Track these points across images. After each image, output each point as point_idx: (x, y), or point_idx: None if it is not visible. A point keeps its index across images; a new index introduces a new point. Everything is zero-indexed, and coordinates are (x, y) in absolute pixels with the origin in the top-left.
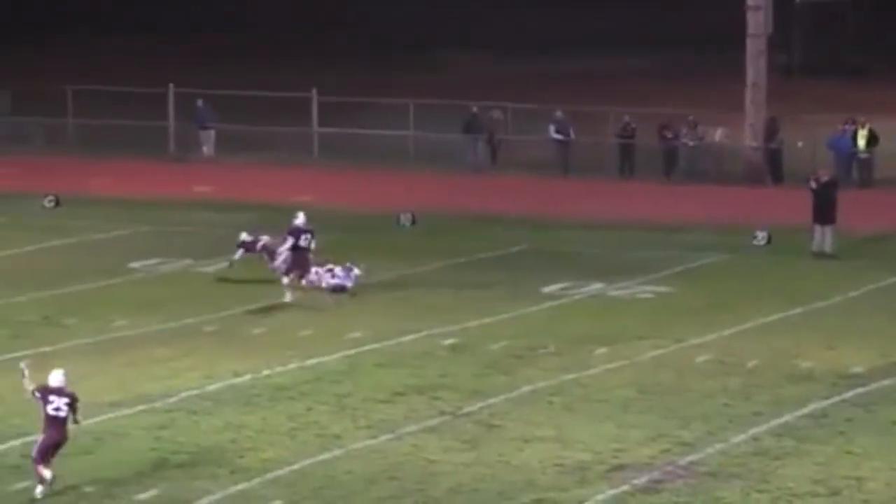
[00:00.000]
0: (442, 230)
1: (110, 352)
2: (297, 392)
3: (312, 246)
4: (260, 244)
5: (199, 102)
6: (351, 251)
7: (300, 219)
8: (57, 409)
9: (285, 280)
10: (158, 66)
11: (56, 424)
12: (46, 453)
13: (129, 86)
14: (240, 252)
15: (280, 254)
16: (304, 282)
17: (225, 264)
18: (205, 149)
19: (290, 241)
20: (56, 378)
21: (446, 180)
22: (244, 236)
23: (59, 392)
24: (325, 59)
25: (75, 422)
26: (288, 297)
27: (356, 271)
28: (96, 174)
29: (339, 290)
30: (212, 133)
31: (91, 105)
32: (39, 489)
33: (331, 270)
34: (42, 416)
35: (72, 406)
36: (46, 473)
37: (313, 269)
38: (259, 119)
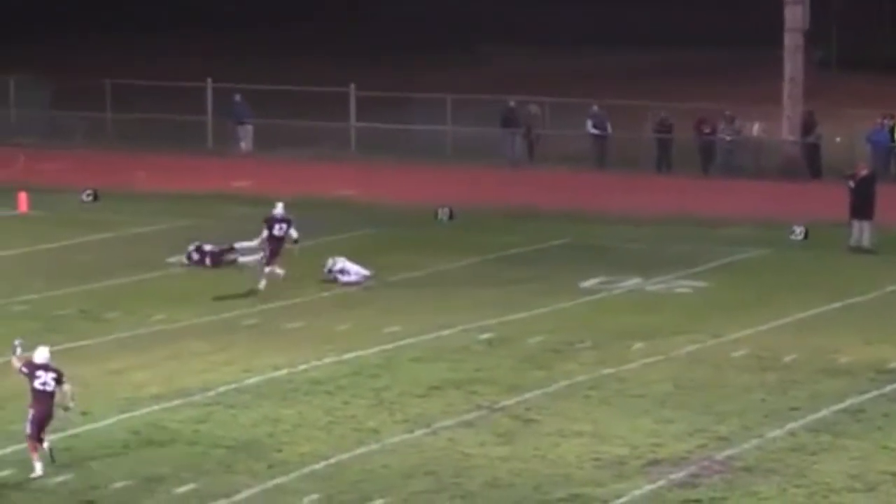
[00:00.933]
0: (479, 225)
1: (149, 346)
2: (335, 386)
3: (294, 235)
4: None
5: (237, 97)
6: (389, 246)
7: (278, 208)
8: (44, 383)
9: (267, 269)
10: (197, 60)
11: (43, 399)
12: (37, 428)
13: (167, 80)
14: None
15: (250, 250)
16: (267, 269)
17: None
18: (242, 144)
19: (264, 231)
20: (41, 355)
21: (484, 175)
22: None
23: (45, 367)
24: (363, 54)
25: (66, 409)
26: (262, 285)
27: (367, 273)
28: (135, 169)
29: (350, 285)
30: (249, 128)
31: (130, 100)
32: (38, 466)
33: (343, 270)
34: (29, 390)
35: (58, 381)
36: (45, 446)
37: (325, 269)
38: (297, 114)
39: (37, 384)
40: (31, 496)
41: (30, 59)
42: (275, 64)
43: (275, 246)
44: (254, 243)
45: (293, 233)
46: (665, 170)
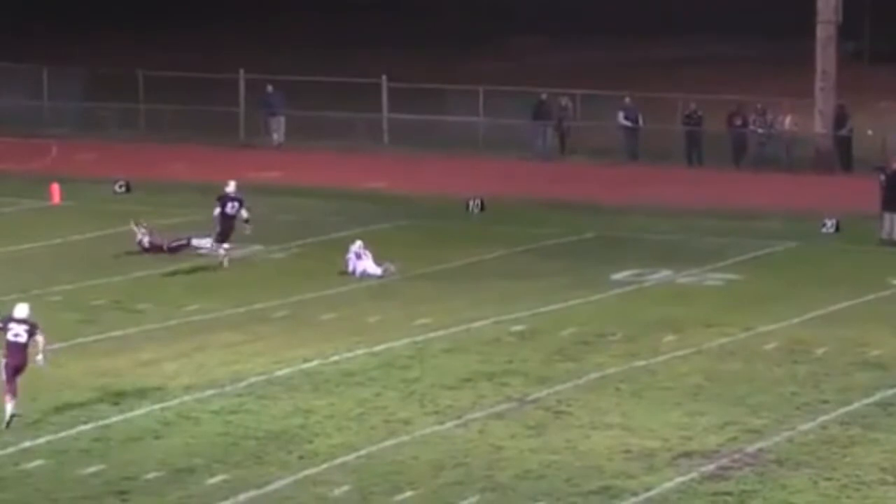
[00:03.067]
0: (510, 217)
1: (181, 336)
2: (366, 378)
3: (244, 215)
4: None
5: (269, 88)
6: (420, 238)
7: (230, 186)
8: (16, 335)
9: (222, 251)
10: (230, 52)
11: (16, 350)
12: (9, 377)
13: (200, 71)
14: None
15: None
16: (219, 248)
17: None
18: (275, 135)
19: (217, 209)
20: (21, 310)
21: (515, 167)
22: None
23: (19, 321)
24: (395, 45)
25: (40, 363)
26: (226, 263)
27: (391, 268)
28: (167, 160)
29: (366, 275)
30: (281, 119)
31: (162, 91)
32: (8, 408)
33: (360, 255)
34: (5, 343)
35: (31, 333)
36: (8, 405)
37: (347, 257)
38: (329, 105)
39: (10, 336)
40: (62, 486)
41: (63, 50)
42: (308, 55)
43: (226, 225)
44: (208, 239)
45: (244, 213)
46: (696, 162)
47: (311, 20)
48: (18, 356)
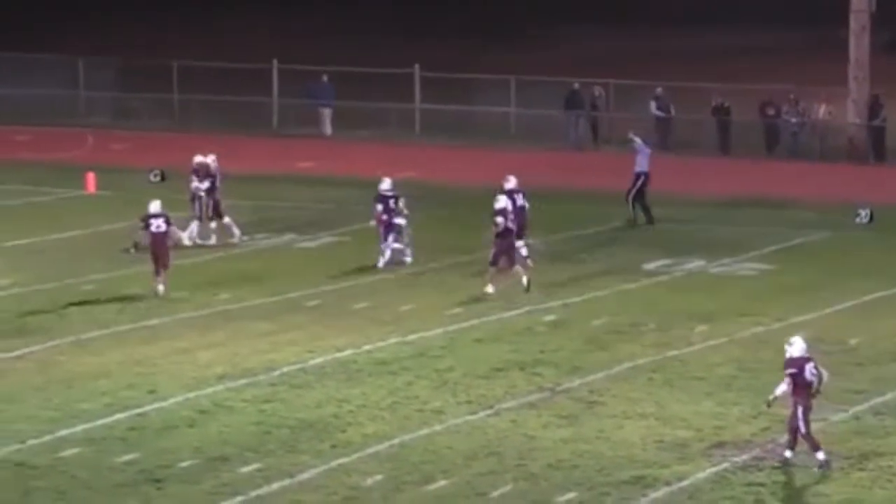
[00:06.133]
0: (543, 206)
1: (214, 326)
2: (399, 367)
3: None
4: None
5: (324, 78)
6: (452, 228)
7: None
8: (157, 226)
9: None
10: (263, 41)
11: (159, 239)
12: (158, 263)
13: (234, 62)
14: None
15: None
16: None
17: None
18: (326, 126)
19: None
20: (155, 206)
21: (547, 156)
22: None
23: (157, 215)
24: (427, 35)
25: (185, 240)
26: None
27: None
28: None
29: (392, 258)
30: (328, 110)
31: (196, 81)
32: (160, 289)
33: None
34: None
35: (168, 223)
36: (160, 286)
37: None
38: (361, 95)
39: (152, 228)
40: (99, 474)
41: (98, 40)
42: (340, 45)
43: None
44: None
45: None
46: (727, 152)
47: (343, 10)
48: (162, 244)
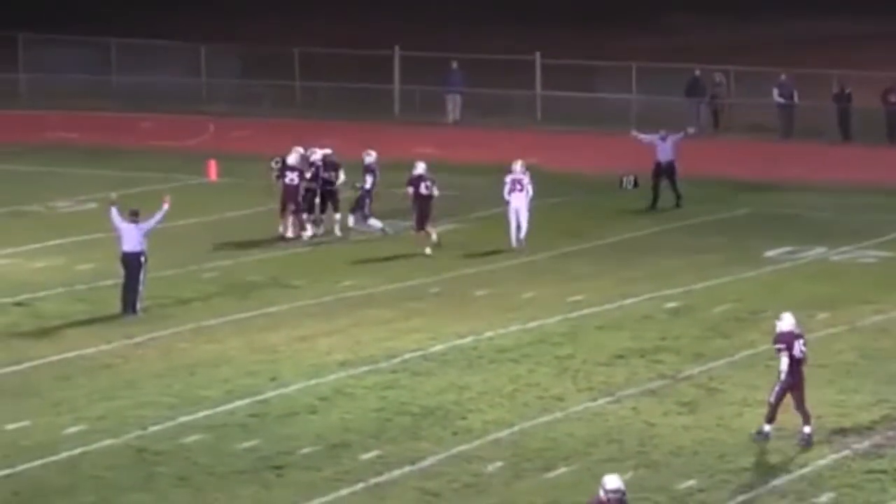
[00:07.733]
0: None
1: (336, 313)
2: (519, 354)
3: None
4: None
5: (454, 65)
6: (573, 214)
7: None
8: (290, 179)
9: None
10: (384, 28)
11: (293, 190)
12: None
13: (355, 48)
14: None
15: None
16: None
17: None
18: (451, 114)
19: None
20: (293, 157)
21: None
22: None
23: (292, 168)
24: (548, 22)
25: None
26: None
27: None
28: (322, 137)
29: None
30: (458, 97)
31: (318, 68)
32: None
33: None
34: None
35: (301, 177)
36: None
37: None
38: (483, 82)
39: (286, 180)
40: (219, 461)
41: (220, 28)
42: (460, 32)
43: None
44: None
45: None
46: (848, 139)
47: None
48: (294, 196)
